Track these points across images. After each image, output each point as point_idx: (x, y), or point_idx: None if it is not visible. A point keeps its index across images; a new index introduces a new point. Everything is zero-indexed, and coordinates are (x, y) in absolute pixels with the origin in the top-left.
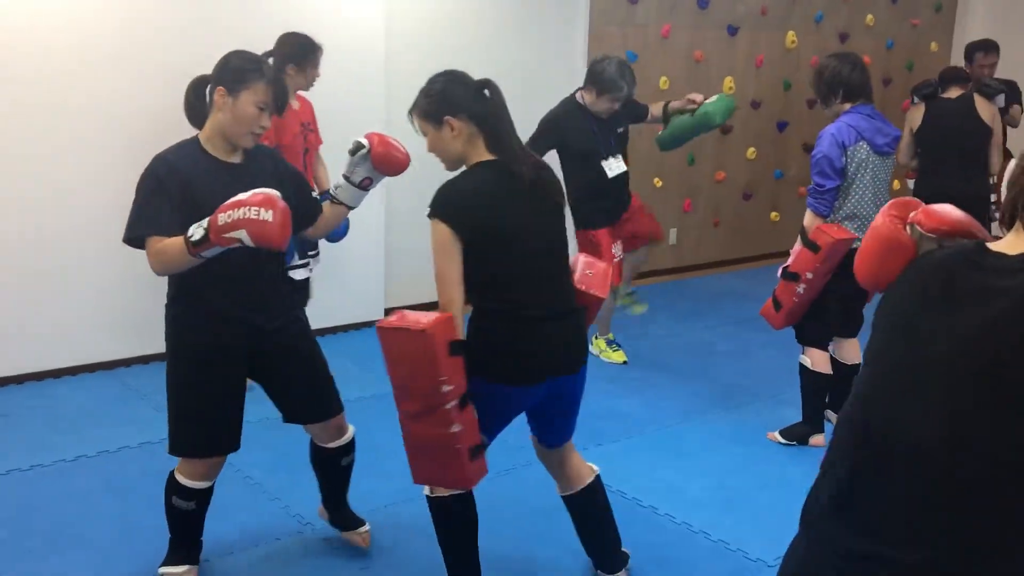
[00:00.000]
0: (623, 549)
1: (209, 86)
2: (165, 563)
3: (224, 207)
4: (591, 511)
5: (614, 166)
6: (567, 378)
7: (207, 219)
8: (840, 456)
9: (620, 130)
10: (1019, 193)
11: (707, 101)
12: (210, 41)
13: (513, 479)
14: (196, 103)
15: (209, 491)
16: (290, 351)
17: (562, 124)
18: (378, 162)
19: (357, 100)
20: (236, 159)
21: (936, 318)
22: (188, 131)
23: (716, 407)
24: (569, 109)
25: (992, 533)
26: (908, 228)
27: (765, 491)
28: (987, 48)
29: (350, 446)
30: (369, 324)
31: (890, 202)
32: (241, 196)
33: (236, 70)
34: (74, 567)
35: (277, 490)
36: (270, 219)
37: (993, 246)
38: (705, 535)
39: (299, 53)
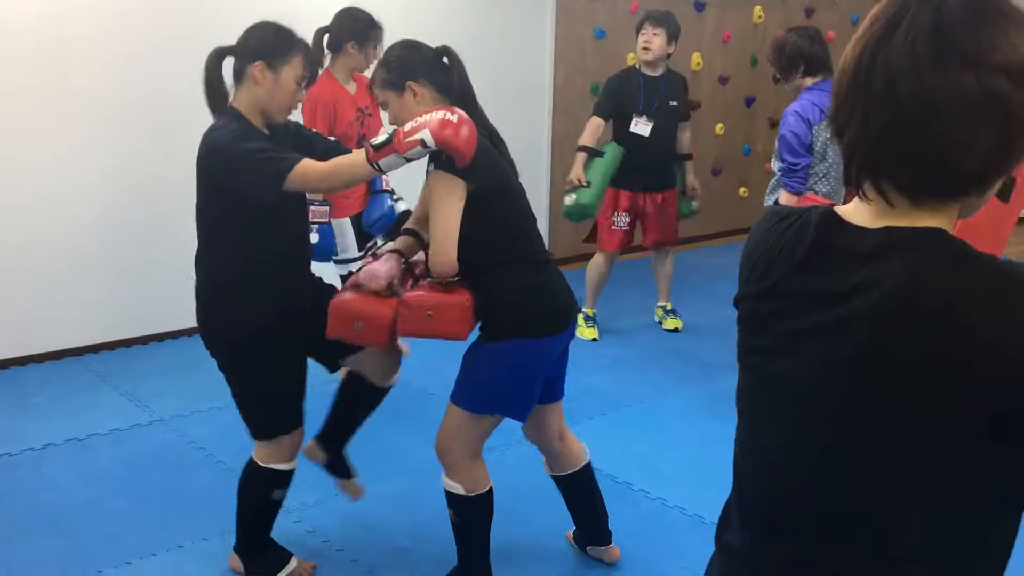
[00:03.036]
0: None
1: (236, 59)
2: (271, 573)
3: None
4: (586, 488)
5: (640, 125)
6: (573, 318)
7: (392, 130)
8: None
9: (673, 103)
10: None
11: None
12: (195, 19)
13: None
14: (220, 77)
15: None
16: (316, 303)
17: (617, 84)
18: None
19: None
20: (266, 130)
21: (795, 316)
22: (167, 114)
23: (689, 383)
24: (625, 71)
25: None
26: None
27: None
28: None
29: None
30: None
31: None
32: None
33: (275, 44)
34: (47, 554)
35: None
36: (454, 119)
37: (848, 215)
38: (680, 510)
39: (360, 30)
